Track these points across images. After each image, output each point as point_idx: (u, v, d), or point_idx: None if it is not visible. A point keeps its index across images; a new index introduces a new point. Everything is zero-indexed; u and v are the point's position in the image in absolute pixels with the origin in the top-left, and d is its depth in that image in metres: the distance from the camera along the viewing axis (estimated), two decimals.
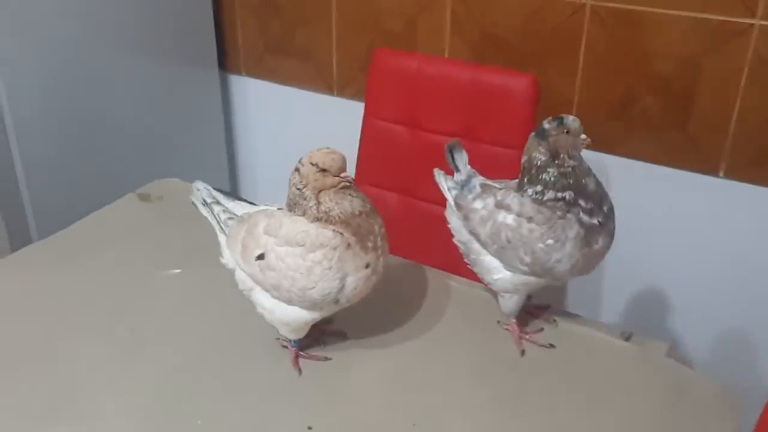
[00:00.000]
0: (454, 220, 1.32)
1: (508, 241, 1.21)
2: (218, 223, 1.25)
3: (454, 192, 1.31)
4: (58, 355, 1.25)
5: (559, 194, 1.17)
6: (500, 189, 1.26)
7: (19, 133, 1.88)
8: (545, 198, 1.18)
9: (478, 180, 1.31)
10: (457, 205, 1.30)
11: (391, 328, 1.32)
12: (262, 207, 1.23)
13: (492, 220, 1.24)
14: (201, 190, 1.28)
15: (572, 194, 1.17)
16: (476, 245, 1.28)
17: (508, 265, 1.24)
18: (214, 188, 1.29)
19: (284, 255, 1.12)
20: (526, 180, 1.21)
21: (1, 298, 1.38)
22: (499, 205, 1.24)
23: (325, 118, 2.43)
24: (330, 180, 1.10)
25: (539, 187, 1.18)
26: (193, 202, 1.29)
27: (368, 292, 1.17)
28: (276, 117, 2.57)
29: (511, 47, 1.98)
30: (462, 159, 1.32)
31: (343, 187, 1.11)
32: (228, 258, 1.22)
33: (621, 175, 1.94)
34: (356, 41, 2.25)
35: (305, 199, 1.12)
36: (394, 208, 1.85)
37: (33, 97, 1.90)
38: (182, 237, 1.52)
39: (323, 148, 1.11)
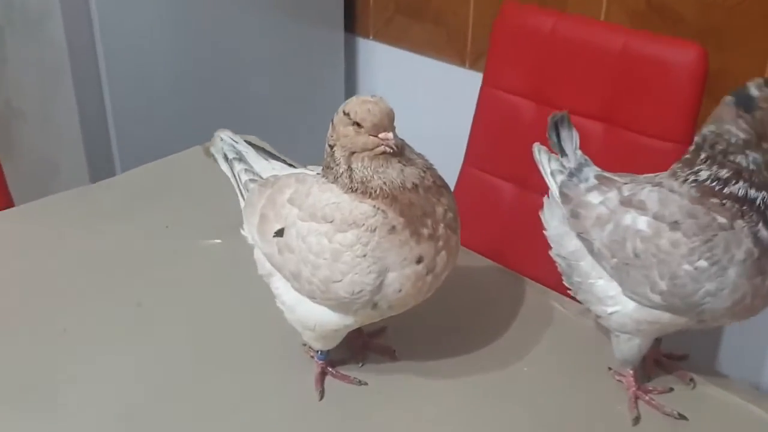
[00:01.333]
0: (553, 220, 0.97)
1: (636, 256, 0.85)
2: (238, 185, 0.97)
3: (559, 177, 0.96)
4: (55, 315, 1.05)
5: (751, 192, 0.81)
6: (625, 183, 0.90)
7: (113, 76, 1.76)
8: (724, 190, 0.81)
9: (593, 170, 0.95)
10: (563, 196, 0.94)
11: (457, 354, 1.00)
12: (299, 170, 0.94)
13: (614, 222, 0.88)
14: (224, 140, 1.01)
15: (767, 196, 0.80)
16: (585, 261, 0.92)
17: (632, 292, 0.88)
18: (246, 140, 1.01)
19: (306, 232, 0.84)
20: (700, 160, 0.84)
21: (32, 239, 1.23)
22: (627, 202, 0.88)
23: (454, 92, 2.14)
24: (362, 140, 0.81)
25: (724, 173, 0.82)
26: (212, 155, 1.02)
27: (422, 298, 0.86)
28: (401, 87, 2.33)
29: (684, 21, 1.60)
30: (571, 139, 0.97)
31: (382, 153, 0.81)
32: (248, 231, 0.95)
33: None
34: (497, 5, 1.92)
35: (335, 161, 0.83)
36: (508, 201, 1.51)
37: (133, 40, 1.78)
38: (234, 204, 1.26)
39: (365, 96, 0.82)
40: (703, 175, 0.83)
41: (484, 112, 1.53)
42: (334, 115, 0.84)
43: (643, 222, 0.85)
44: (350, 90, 2.42)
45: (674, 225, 0.83)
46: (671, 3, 1.61)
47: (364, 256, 0.81)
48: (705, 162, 0.83)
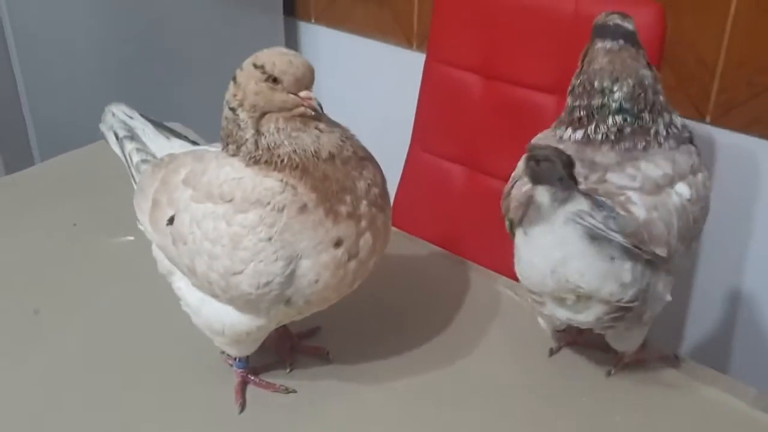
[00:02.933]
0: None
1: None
2: (129, 167, 0.84)
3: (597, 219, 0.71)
4: None
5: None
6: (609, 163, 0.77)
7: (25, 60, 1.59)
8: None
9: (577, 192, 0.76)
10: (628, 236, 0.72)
11: (401, 353, 0.88)
12: (200, 147, 0.81)
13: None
14: (116, 116, 0.88)
15: None
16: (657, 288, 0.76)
17: None
18: (142, 115, 0.88)
19: (201, 216, 0.71)
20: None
21: None
22: (663, 179, 0.76)
23: (402, 75, 2.03)
24: (281, 98, 0.69)
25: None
26: (102, 132, 0.89)
27: (346, 290, 0.74)
28: (346, 72, 2.21)
29: None
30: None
31: (301, 115, 0.69)
32: (142, 221, 0.82)
33: None
34: None
35: (239, 126, 0.71)
36: (459, 185, 1.39)
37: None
38: None
39: (279, 47, 0.70)
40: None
41: (429, 89, 1.41)
42: (236, 71, 0.71)
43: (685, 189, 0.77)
44: None
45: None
46: None
47: (270, 239, 0.68)
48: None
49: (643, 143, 0.77)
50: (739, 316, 1.58)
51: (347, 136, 0.73)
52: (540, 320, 0.85)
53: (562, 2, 1.21)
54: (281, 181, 0.69)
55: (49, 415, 0.80)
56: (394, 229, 0.83)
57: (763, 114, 1.40)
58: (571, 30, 1.21)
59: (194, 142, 0.87)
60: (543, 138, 0.83)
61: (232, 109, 0.72)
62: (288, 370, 0.84)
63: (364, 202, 0.71)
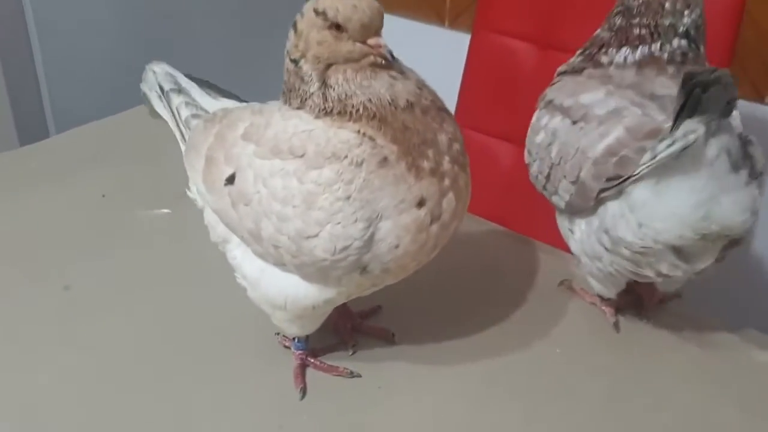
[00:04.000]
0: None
1: None
2: (177, 123, 0.75)
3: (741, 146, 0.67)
4: None
5: None
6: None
7: (42, 23, 1.50)
8: None
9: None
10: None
11: (468, 334, 0.79)
12: (256, 103, 0.73)
13: None
14: (157, 73, 0.79)
15: None
16: None
17: None
18: (186, 75, 0.80)
19: (268, 173, 0.63)
20: None
21: None
22: None
23: (435, 54, 1.94)
24: (347, 47, 0.61)
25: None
26: (143, 93, 0.81)
27: (426, 258, 0.66)
28: None
29: None
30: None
31: (371, 65, 0.62)
32: (193, 187, 0.73)
33: None
34: None
35: (303, 79, 0.63)
36: (507, 163, 1.30)
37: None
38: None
39: None
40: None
41: (476, 61, 1.33)
42: (296, 17, 0.63)
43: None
44: None
45: None
46: None
47: (348, 198, 0.60)
48: None
49: None
50: None
51: (423, 84, 0.65)
52: (598, 287, 0.78)
53: None
54: (358, 132, 0.61)
55: (85, 397, 0.71)
56: None
57: None
58: None
59: (244, 101, 0.78)
60: (569, 83, 0.77)
61: (294, 61, 0.64)
62: (350, 353, 0.76)
63: (447, 158, 0.63)
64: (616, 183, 0.68)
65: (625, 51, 0.75)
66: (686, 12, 0.74)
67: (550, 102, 0.79)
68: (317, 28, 0.61)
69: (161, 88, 0.78)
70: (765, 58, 1.36)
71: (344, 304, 0.76)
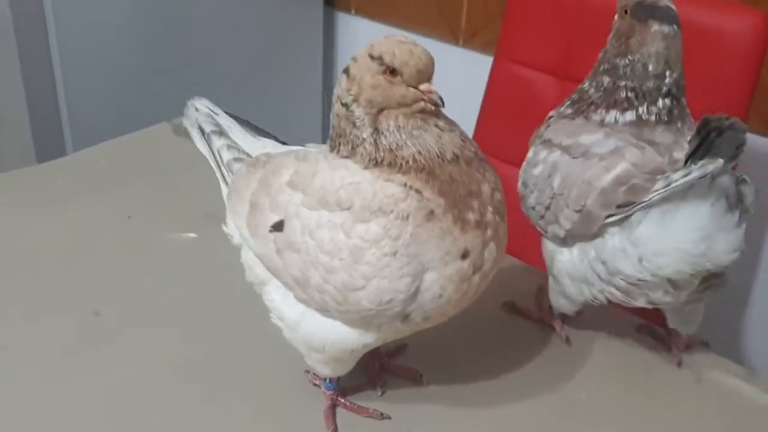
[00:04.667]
0: None
1: None
2: (218, 165, 0.77)
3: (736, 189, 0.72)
4: None
5: None
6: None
7: (63, 36, 1.51)
8: None
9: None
10: None
11: (499, 374, 0.81)
12: (298, 147, 0.74)
13: None
14: (200, 111, 0.80)
15: None
16: None
17: None
18: (226, 112, 0.81)
19: (315, 224, 0.64)
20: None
21: None
22: None
23: (447, 72, 1.94)
24: (400, 92, 0.63)
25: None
26: (185, 128, 0.82)
27: (465, 305, 0.67)
28: None
29: None
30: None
31: (422, 111, 0.63)
32: (231, 225, 0.74)
33: None
34: None
35: (355, 124, 0.64)
36: None
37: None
38: (214, 190, 1.04)
39: (396, 36, 0.64)
40: None
41: (496, 89, 1.34)
42: (348, 63, 0.65)
43: None
44: (328, 71, 2.23)
45: None
46: None
47: (395, 254, 0.62)
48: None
49: (686, 123, 0.78)
50: None
51: (465, 137, 0.67)
52: (565, 305, 0.82)
53: None
54: (404, 185, 0.63)
55: (114, 423, 0.72)
56: None
57: None
58: None
59: (283, 143, 0.79)
60: (566, 126, 0.81)
61: (345, 105, 0.65)
62: (379, 393, 0.77)
63: (490, 209, 0.65)
64: (627, 209, 0.72)
65: (614, 113, 0.78)
66: (668, 73, 0.77)
67: (548, 140, 0.82)
68: (372, 72, 0.63)
69: (202, 130, 0.79)
70: None
71: None
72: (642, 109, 0.77)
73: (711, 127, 0.64)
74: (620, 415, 0.78)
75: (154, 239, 0.99)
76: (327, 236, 0.63)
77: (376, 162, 0.64)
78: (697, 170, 0.65)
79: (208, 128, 0.79)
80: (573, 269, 0.78)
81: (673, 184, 0.67)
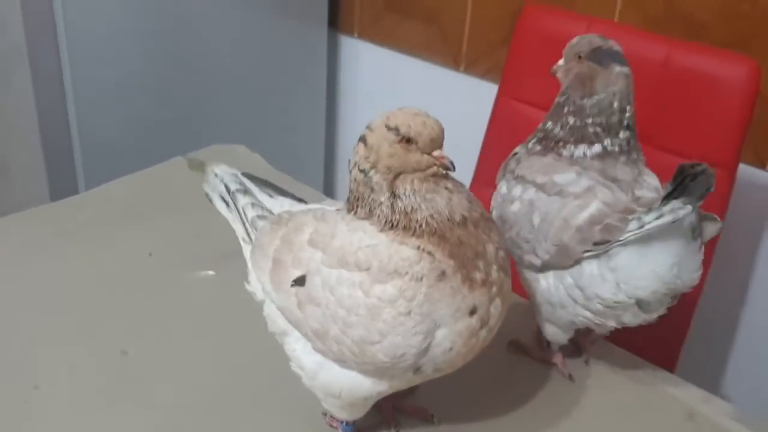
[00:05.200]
0: None
1: None
2: (243, 223, 0.81)
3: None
4: (4, 375, 0.87)
5: None
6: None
7: (77, 71, 1.55)
8: None
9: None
10: None
11: (506, 411, 0.86)
12: (316, 206, 0.79)
13: None
14: (220, 176, 0.86)
15: None
16: None
17: None
18: (246, 174, 0.86)
19: (335, 282, 0.69)
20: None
21: None
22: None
23: (448, 98, 2.02)
24: (415, 158, 0.68)
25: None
26: (206, 194, 0.87)
27: (472, 357, 0.73)
28: (388, 90, 2.18)
29: (705, 29, 1.47)
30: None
31: (434, 175, 0.69)
32: (255, 282, 0.79)
33: None
34: (498, 5, 1.81)
35: (372, 188, 0.70)
36: None
37: (99, 31, 1.59)
38: (230, 229, 1.09)
39: (408, 108, 0.70)
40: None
41: (499, 125, 1.39)
42: (361, 135, 0.70)
43: None
44: (332, 91, 2.28)
45: None
46: (692, 9, 1.48)
47: (409, 313, 0.67)
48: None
49: (639, 153, 0.88)
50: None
51: (472, 198, 0.72)
52: (553, 332, 0.89)
53: (653, 50, 1.20)
54: (418, 248, 0.68)
55: None
56: None
57: None
58: (661, 77, 1.19)
59: (300, 200, 0.84)
60: (538, 163, 0.88)
61: (363, 171, 0.70)
62: None
63: (494, 267, 0.70)
64: (604, 247, 0.79)
65: (583, 147, 0.86)
66: (627, 108, 0.86)
67: (522, 176, 0.88)
68: (389, 141, 0.68)
69: (227, 188, 0.84)
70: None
71: None
72: (607, 141, 0.85)
73: (686, 174, 0.75)
74: None
75: (175, 277, 1.03)
76: (346, 293, 0.68)
77: (392, 225, 0.69)
78: (669, 214, 0.74)
79: (233, 186, 0.84)
80: (549, 295, 0.86)
81: (647, 226, 0.76)
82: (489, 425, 0.84)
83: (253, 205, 0.82)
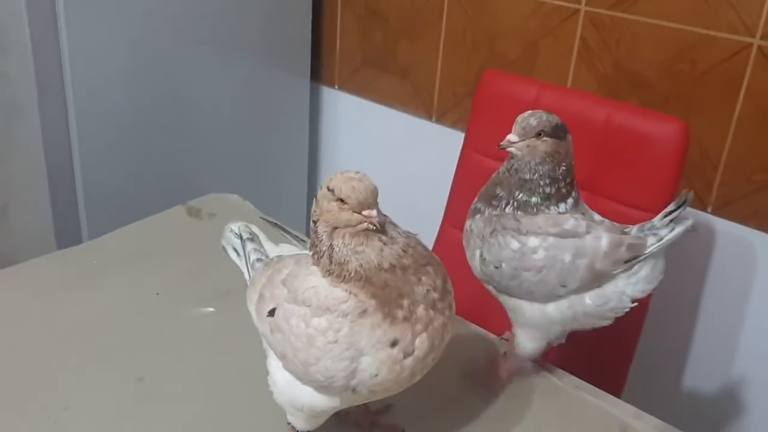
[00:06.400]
0: None
1: None
2: (247, 265, 0.97)
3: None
4: (38, 397, 1.01)
5: None
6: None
7: (82, 125, 1.70)
8: None
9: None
10: None
11: (476, 428, 1.00)
12: (303, 252, 0.94)
13: None
14: (235, 230, 1.02)
15: None
16: None
17: None
18: (262, 217, 1.02)
19: (290, 314, 0.85)
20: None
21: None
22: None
23: (421, 145, 2.17)
24: (346, 216, 0.81)
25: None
26: (222, 247, 1.03)
27: (406, 383, 0.85)
28: (366, 138, 2.33)
29: (650, 87, 1.65)
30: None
31: (365, 230, 0.81)
32: (251, 311, 0.95)
33: None
34: (464, 63, 1.97)
35: (318, 238, 0.83)
36: None
37: (102, 87, 1.73)
38: (228, 267, 1.24)
39: (349, 172, 0.82)
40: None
41: (464, 173, 1.55)
42: (318, 189, 0.83)
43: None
44: (314, 138, 2.41)
45: None
46: (639, 68, 1.65)
47: (336, 342, 0.80)
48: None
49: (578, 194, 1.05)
50: (733, 390, 1.73)
51: (410, 245, 0.84)
52: (532, 346, 1.06)
53: (595, 111, 1.37)
54: (347, 291, 0.81)
55: None
56: None
57: (760, 208, 1.55)
58: (603, 134, 1.37)
59: (302, 240, 0.99)
60: (539, 220, 1.01)
61: (314, 221, 0.84)
62: None
63: (421, 306, 0.82)
64: (633, 262, 0.97)
65: (563, 204, 1.02)
66: (572, 164, 1.03)
67: (532, 231, 1.01)
68: (327, 199, 0.81)
69: (240, 237, 1.00)
70: (706, 175, 1.61)
71: (365, 404, 0.97)
72: (574, 193, 1.02)
73: (685, 199, 0.94)
74: None
75: (180, 313, 1.18)
76: (294, 323, 0.83)
77: (330, 272, 0.82)
78: (679, 227, 0.94)
79: (245, 235, 1.00)
80: (556, 314, 1.01)
81: (666, 237, 0.95)
82: None
83: (255, 250, 0.98)
